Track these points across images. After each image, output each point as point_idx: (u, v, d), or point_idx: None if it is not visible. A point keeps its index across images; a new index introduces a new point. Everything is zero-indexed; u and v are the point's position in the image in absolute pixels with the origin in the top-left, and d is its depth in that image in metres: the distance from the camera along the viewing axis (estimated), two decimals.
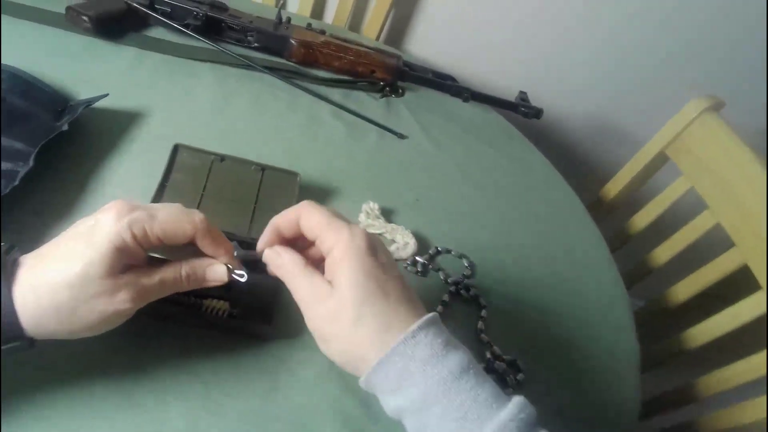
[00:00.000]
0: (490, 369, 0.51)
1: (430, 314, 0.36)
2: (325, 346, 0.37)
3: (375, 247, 0.37)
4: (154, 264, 0.36)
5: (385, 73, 0.80)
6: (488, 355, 0.52)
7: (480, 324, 0.54)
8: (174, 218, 0.35)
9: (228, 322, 0.43)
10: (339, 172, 0.64)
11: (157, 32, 0.75)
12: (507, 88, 0.90)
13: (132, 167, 0.55)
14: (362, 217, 0.59)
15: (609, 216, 0.86)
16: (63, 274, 0.32)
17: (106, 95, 0.59)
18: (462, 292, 0.56)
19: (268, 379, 0.42)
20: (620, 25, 0.97)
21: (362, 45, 0.81)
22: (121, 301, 0.33)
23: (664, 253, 0.78)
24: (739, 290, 0.65)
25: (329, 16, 1.02)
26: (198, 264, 0.37)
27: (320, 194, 0.60)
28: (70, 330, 0.33)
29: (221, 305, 0.44)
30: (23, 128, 0.52)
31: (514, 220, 0.67)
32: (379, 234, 0.59)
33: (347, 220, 0.38)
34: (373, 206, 0.60)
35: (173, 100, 0.66)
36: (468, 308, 0.55)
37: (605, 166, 1.15)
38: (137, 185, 0.53)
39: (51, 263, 0.33)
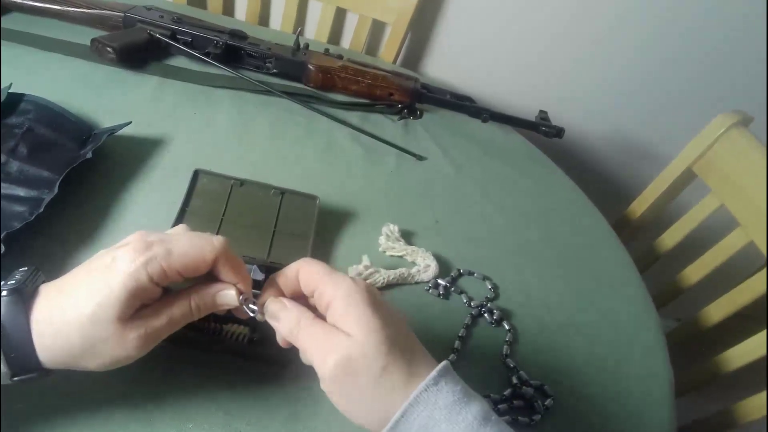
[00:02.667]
0: (517, 395, 0.49)
1: (445, 362, 0.34)
2: (345, 404, 0.34)
3: (376, 294, 0.35)
4: (163, 299, 0.35)
5: (402, 96, 0.80)
6: (515, 380, 0.50)
7: (505, 348, 0.52)
8: (193, 248, 0.34)
9: (248, 347, 0.43)
10: (358, 195, 0.64)
11: (178, 61, 0.77)
12: (527, 107, 0.89)
13: (153, 193, 0.56)
14: (382, 239, 0.58)
15: (636, 235, 0.84)
16: (75, 315, 0.31)
17: (129, 123, 0.60)
18: (485, 315, 0.55)
19: (289, 407, 0.41)
20: (642, 41, 0.96)
21: (379, 68, 0.81)
22: (130, 347, 0.32)
23: (695, 272, 0.75)
24: None
25: (346, 41, 1.04)
26: (206, 292, 0.36)
27: (339, 217, 0.60)
28: (84, 366, 0.33)
29: (242, 330, 0.43)
30: (49, 157, 0.53)
31: (537, 242, 0.66)
32: (400, 256, 0.58)
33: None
34: (393, 228, 0.59)
35: (194, 127, 0.67)
36: (492, 332, 0.54)
37: (630, 184, 1.13)
38: (159, 211, 0.53)
39: (66, 300, 0.32)
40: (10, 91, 0.57)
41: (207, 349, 0.43)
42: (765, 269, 0.66)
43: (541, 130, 0.79)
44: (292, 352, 0.43)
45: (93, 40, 0.71)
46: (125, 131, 0.59)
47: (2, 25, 0.71)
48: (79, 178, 0.53)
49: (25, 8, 0.76)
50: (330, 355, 0.32)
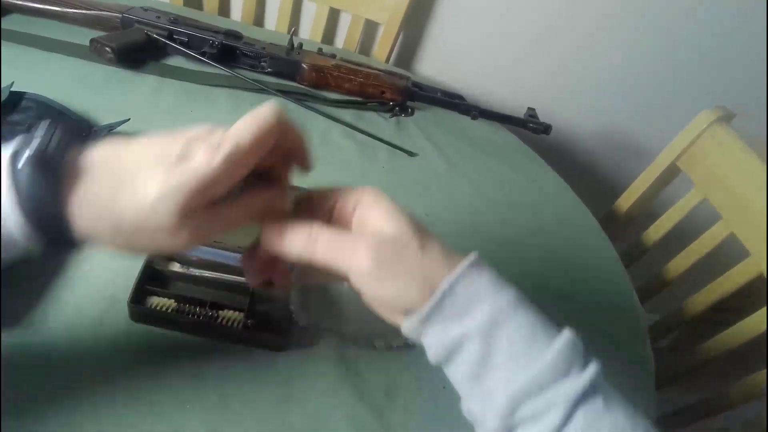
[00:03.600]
0: None
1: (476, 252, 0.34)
2: (381, 296, 0.33)
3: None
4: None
5: (394, 94, 0.82)
6: None
7: None
8: (256, 127, 0.31)
9: (243, 332, 0.44)
10: None
11: (175, 61, 0.79)
12: (516, 105, 0.91)
13: None
14: None
15: (623, 230, 0.86)
16: (133, 198, 0.29)
17: (127, 120, 0.62)
18: None
19: (282, 389, 0.43)
20: (628, 38, 0.98)
21: (372, 67, 0.83)
22: (181, 240, 0.30)
23: (678, 265, 0.78)
24: (756, 301, 0.65)
25: (340, 41, 1.06)
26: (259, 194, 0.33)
27: None
28: (119, 247, 0.31)
29: (237, 316, 0.45)
30: None
31: (527, 235, 0.68)
32: None
33: None
34: None
35: (191, 125, 0.68)
36: None
37: (617, 179, 1.15)
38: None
39: (123, 180, 0.30)
40: (12, 89, 0.59)
41: (203, 334, 0.45)
42: (745, 262, 0.68)
43: (529, 127, 0.81)
44: (286, 337, 0.45)
45: (92, 41, 0.72)
46: (124, 128, 0.61)
47: (2, 27, 0.73)
48: None
49: (25, 9, 0.78)
50: (363, 247, 0.31)
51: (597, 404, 0.30)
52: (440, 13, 1.01)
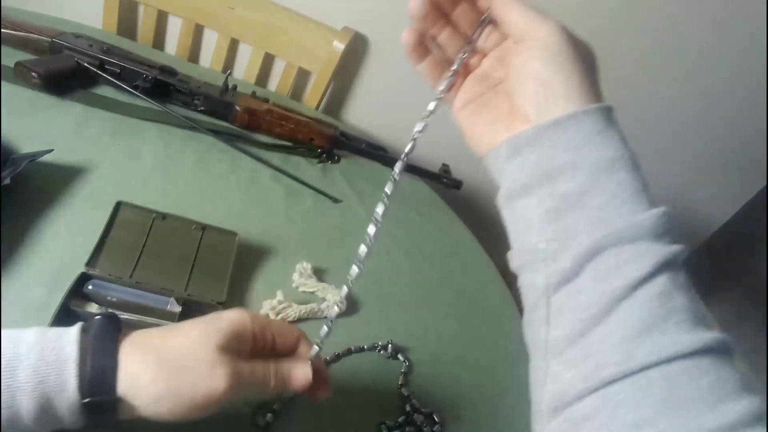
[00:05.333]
0: (409, 421, 0.55)
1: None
2: (552, 72, 0.31)
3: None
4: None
5: (322, 141, 0.87)
6: (407, 407, 0.56)
7: (401, 379, 0.59)
8: (284, 325, 0.41)
9: None
10: (276, 233, 0.68)
11: (105, 91, 0.78)
12: (432, 159, 0.99)
13: (73, 223, 0.57)
14: (296, 276, 0.63)
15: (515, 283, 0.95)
16: (177, 341, 0.34)
17: (50, 150, 0.61)
18: (381, 351, 0.61)
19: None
20: None
21: (303, 114, 0.88)
22: (219, 380, 0.33)
23: None
24: None
25: (273, 84, 1.09)
26: (283, 364, 0.38)
27: (257, 253, 0.64)
28: (165, 406, 0.33)
29: None
30: None
31: (435, 282, 0.74)
32: (312, 292, 0.63)
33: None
34: (306, 266, 0.64)
35: (118, 158, 0.68)
36: (389, 364, 0.60)
37: None
38: (77, 241, 0.54)
39: (170, 334, 0.35)
40: None
41: None
42: None
43: (442, 182, 0.89)
44: None
45: (17, 64, 0.71)
46: (46, 158, 0.60)
47: None
48: None
49: None
50: (548, 33, 0.31)
51: (678, 278, 0.29)
52: (368, 68, 1.08)
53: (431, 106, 0.36)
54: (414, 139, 0.37)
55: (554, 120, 0.30)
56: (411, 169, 0.90)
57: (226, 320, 0.36)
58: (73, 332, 0.33)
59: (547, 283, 0.30)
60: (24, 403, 0.30)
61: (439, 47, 0.37)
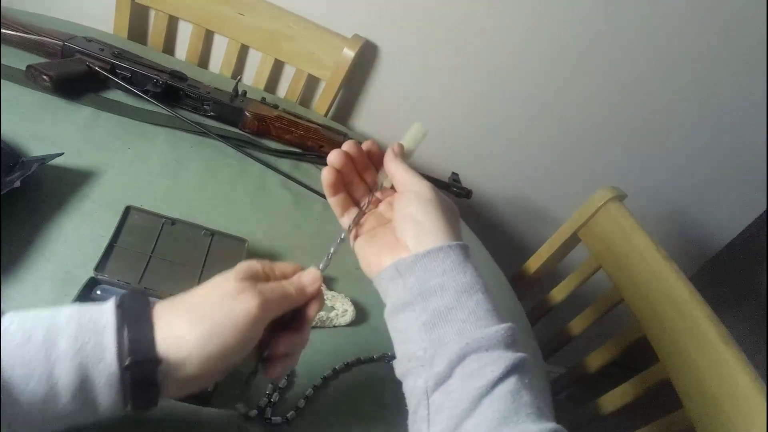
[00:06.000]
0: None
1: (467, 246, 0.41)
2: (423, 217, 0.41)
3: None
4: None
5: (331, 148, 0.86)
6: None
7: None
8: (283, 263, 0.43)
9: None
10: (285, 240, 0.68)
11: (115, 95, 0.78)
12: (441, 167, 0.99)
13: (82, 226, 0.56)
14: None
15: (530, 289, 0.94)
16: (201, 289, 0.38)
17: (61, 154, 0.60)
18: (391, 362, 0.60)
19: None
20: (545, 113, 1.11)
21: (312, 121, 0.87)
22: (249, 297, 0.36)
23: (579, 324, 0.86)
24: (645, 359, 0.73)
25: (282, 91, 1.09)
26: (293, 278, 0.42)
27: (266, 260, 0.64)
28: (217, 338, 0.35)
29: None
30: None
31: None
32: None
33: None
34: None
35: (127, 162, 0.68)
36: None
37: (527, 243, 1.26)
38: (86, 245, 0.54)
39: (191, 291, 0.38)
40: None
41: None
42: (633, 325, 0.77)
43: (452, 191, 0.88)
44: (212, 390, 0.46)
45: (29, 67, 0.71)
46: (56, 161, 0.60)
47: None
48: (5, 207, 0.52)
49: None
50: (422, 188, 0.42)
51: (524, 378, 0.36)
52: (378, 76, 1.08)
53: (341, 236, 0.47)
54: (329, 256, 0.46)
55: (428, 250, 0.39)
56: None
57: (237, 266, 0.39)
58: (109, 303, 0.35)
59: (426, 385, 0.36)
60: (63, 374, 0.30)
61: (349, 188, 0.48)
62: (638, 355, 0.78)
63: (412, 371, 0.38)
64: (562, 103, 1.08)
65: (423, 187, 0.42)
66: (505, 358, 0.35)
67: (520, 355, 0.37)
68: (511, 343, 0.37)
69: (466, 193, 0.88)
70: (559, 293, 0.90)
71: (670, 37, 0.98)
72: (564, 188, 1.20)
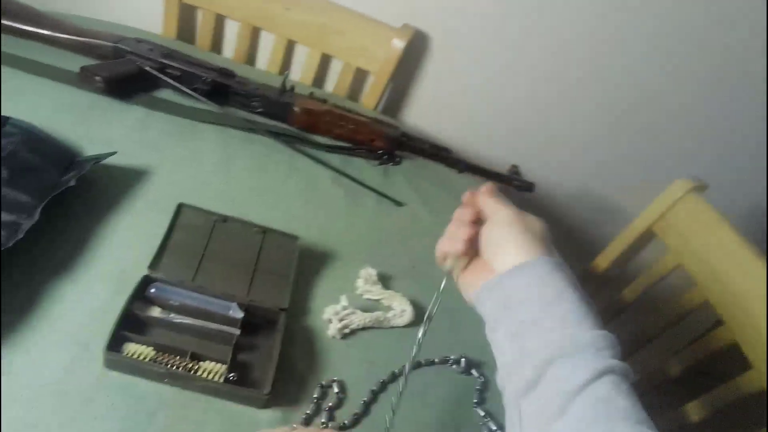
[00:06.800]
0: None
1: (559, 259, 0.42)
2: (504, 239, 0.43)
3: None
4: None
5: (383, 143, 0.83)
6: (484, 430, 0.51)
7: (476, 396, 0.53)
8: None
9: (225, 387, 0.42)
10: (338, 237, 0.65)
11: (165, 94, 0.78)
12: (499, 160, 0.93)
13: (135, 225, 0.55)
14: (360, 282, 0.59)
15: (598, 289, 0.87)
16: None
17: (114, 153, 0.60)
18: (453, 366, 0.56)
19: None
20: (613, 100, 1.03)
21: (362, 115, 0.84)
22: None
23: (655, 327, 0.79)
24: (731, 367, 0.66)
25: (330, 86, 1.07)
26: None
27: (319, 258, 0.61)
28: None
29: (218, 368, 0.43)
30: (30, 182, 0.53)
31: None
32: (377, 300, 0.59)
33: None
34: (371, 272, 0.60)
35: (178, 160, 0.67)
36: (463, 380, 0.55)
37: (595, 239, 1.18)
38: (139, 243, 0.53)
39: None
40: None
41: (182, 386, 0.42)
42: (719, 328, 0.69)
43: (513, 184, 0.83)
44: (271, 394, 0.43)
45: (82, 69, 0.71)
46: (109, 160, 0.59)
47: None
48: (61, 206, 0.52)
49: (15, 31, 0.76)
50: (504, 213, 0.44)
51: (622, 384, 0.35)
52: (429, 67, 1.04)
53: (442, 281, 0.48)
54: (419, 342, 0.45)
55: (509, 269, 0.41)
56: (477, 170, 0.85)
57: None
58: None
59: (516, 391, 0.37)
60: None
61: None
62: (722, 361, 0.70)
63: (506, 379, 0.39)
64: (630, 88, 1.00)
65: (505, 212, 0.44)
66: (595, 362, 0.35)
67: (613, 361, 0.36)
68: (603, 348, 0.36)
69: (528, 186, 0.83)
70: (631, 293, 0.83)
71: (751, 17, 0.89)
72: (633, 180, 1.11)
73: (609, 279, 0.87)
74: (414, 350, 0.44)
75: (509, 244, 0.42)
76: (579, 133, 1.08)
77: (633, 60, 0.97)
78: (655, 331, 0.79)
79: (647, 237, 0.83)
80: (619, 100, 1.02)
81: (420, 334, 0.45)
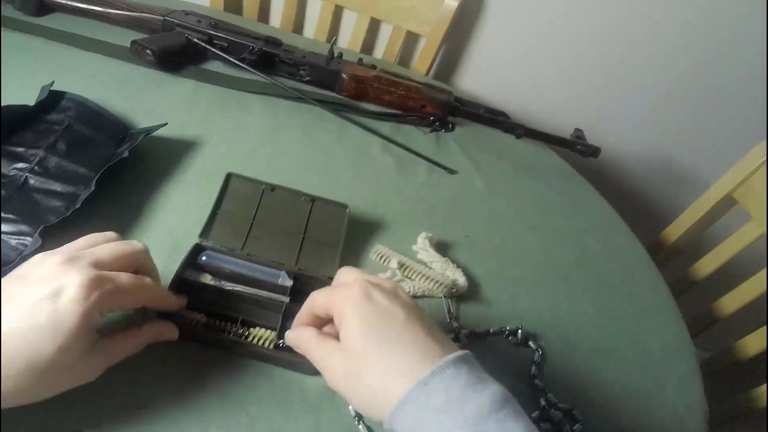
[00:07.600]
0: (544, 417, 0.47)
1: (451, 356, 0.33)
2: (351, 402, 0.36)
3: (369, 293, 0.36)
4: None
5: (435, 108, 0.80)
6: (542, 402, 0.48)
7: (533, 369, 0.51)
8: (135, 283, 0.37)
9: (274, 353, 0.42)
10: (388, 206, 0.63)
11: (213, 66, 0.78)
12: (562, 125, 0.88)
13: (186, 194, 0.56)
14: (419, 239, 0.58)
15: (668, 261, 0.81)
16: (31, 359, 0.30)
17: (165, 124, 0.60)
18: (510, 337, 0.53)
19: (313, 415, 0.40)
20: (683, 58, 0.94)
21: (412, 80, 0.81)
22: (97, 370, 0.34)
23: (731, 302, 0.73)
24: None
25: (379, 52, 1.04)
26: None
27: (368, 227, 0.59)
28: (33, 396, 0.32)
29: (268, 335, 0.43)
30: (86, 154, 0.54)
31: (569, 262, 0.64)
32: (429, 263, 0.57)
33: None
34: (430, 236, 0.58)
35: (227, 131, 0.67)
36: (519, 352, 0.52)
37: (665, 208, 1.10)
38: (190, 212, 0.53)
39: (12, 340, 0.30)
40: (51, 88, 0.58)
41: (232, 351, 0.42)
42: None
43: (576, 149, 0.78)
44: None
45: (133, 42, 0.72)
46: (160, 132, 0.60)
47: (45, 24, 0.73)
48: (115, 176, 0.53)
49: (68, 8, 0.78)
50: (328, 365, 0.36)
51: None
52: (484, 28, 0.98)
53: None
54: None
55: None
56: (537, 135, 0.80)
57: (75, 325, 0.32)
58: None
59: None
60: None
61: None
62: None
63: None
64: (701, 47, 0.91)
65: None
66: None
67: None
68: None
69: (593, 152, 0.77)
70: (706, 265, 0.76)
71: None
72: (710, 141, 1.02)
73: (681, 250, 0.81)
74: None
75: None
76: (649, 94, 0.99)
77: (712, 15, 0.88)
78: (731, 307, 0.73)
79: (727, 204, 0.76)
80: (692, 57, 0.93)
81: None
